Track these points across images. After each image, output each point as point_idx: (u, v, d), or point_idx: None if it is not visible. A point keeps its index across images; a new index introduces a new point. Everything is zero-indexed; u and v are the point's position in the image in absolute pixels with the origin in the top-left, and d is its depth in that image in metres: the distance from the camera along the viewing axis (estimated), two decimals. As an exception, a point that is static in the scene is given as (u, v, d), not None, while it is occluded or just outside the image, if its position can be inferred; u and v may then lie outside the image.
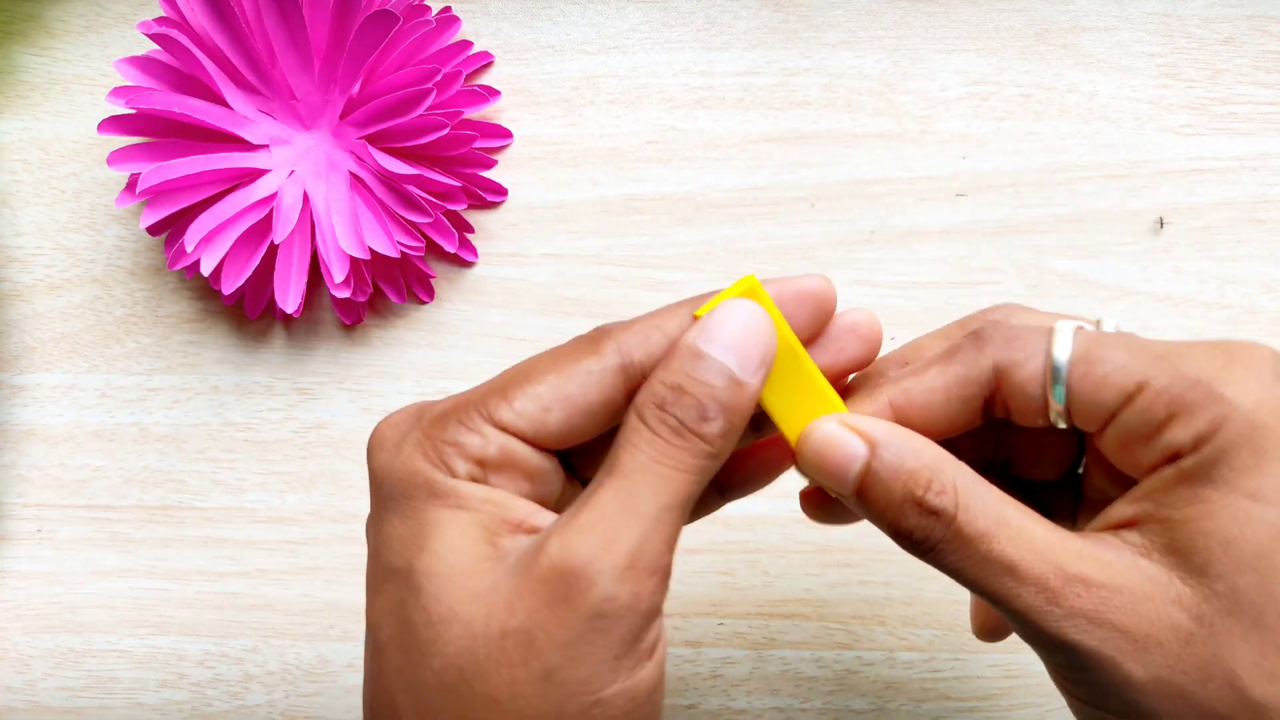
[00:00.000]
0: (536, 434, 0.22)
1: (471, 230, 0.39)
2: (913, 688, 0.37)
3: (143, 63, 0.36)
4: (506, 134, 0.39)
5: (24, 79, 0.40)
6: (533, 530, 0.22)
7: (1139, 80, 0.39)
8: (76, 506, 0.39)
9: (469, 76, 0.39)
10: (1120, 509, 0.22)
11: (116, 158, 0.36)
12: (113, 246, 0.40)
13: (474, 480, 0.22)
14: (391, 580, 0.21)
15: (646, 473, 0.21)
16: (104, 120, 0.36)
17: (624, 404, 0.22)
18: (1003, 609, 0.22)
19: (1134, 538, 0.21)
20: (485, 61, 0.39)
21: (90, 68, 0.40)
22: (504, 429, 0.22)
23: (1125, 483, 0.23)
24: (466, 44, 0.38)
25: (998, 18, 0.39)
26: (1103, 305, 0.38)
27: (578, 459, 0.24)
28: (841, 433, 0.22)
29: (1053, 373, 0.22)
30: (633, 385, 0.22)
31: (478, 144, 0.38)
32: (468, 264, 0.39)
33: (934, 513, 0.22)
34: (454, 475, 0.21)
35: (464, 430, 0.22)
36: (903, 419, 0.23)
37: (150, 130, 0.36)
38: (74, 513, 0.39)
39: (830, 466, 0.22)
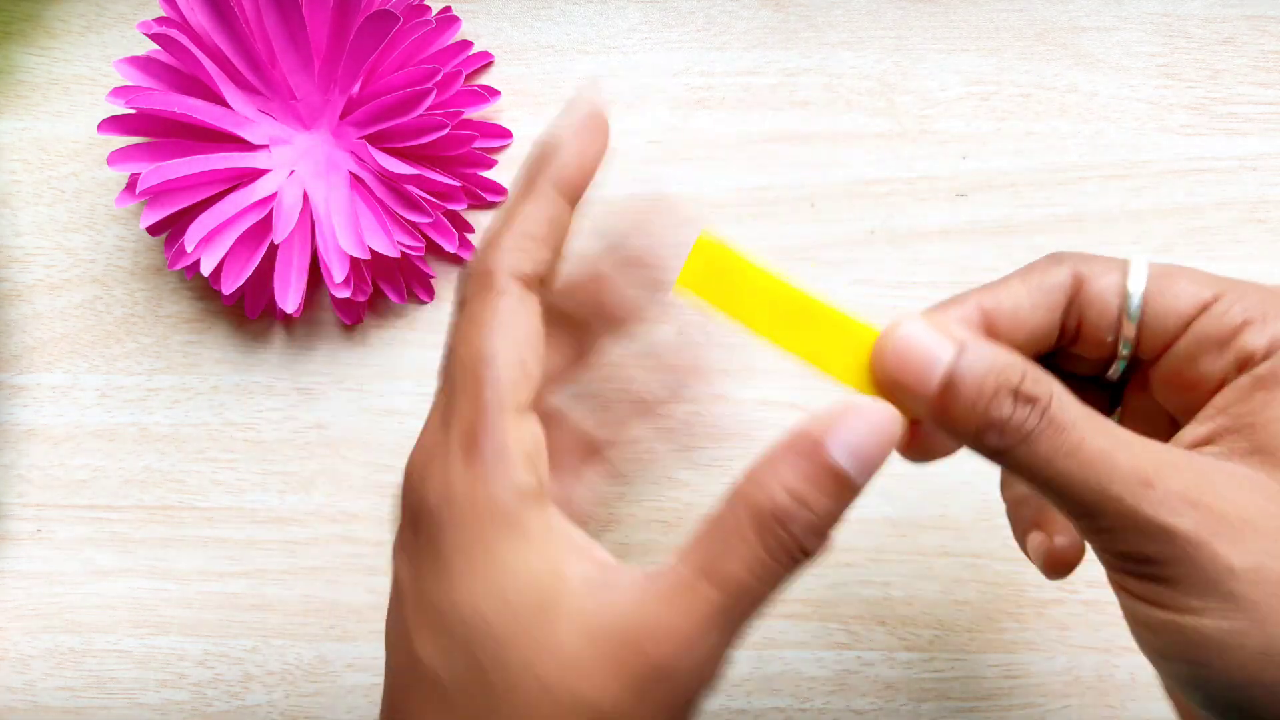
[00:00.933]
0: (534, 268, 0.23)
1: (471, 230, 0.39)
2: (913, 688, 0.37)
3: (143, 63, 0.36)
4: (506, 134, 0.39)
5: (24, 79, 0.40)
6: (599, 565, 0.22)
7: (1139, 80, 0.39)
8: (76, 506, 0.39)
9: (469, 76, 0.39)
10: (1195, 429, 0.22)
11: (116, 158, 0.36)
12: (113, 246, 0.40)
13: (527, 473, 0.21)
14: (453, 623, 0.21)
15: (750, 594, 0.20)
16: (104, 120, 0.36)
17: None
18: (1090, 503, 0.21)
19: (1216, 450, 0.21)
20: (485, 61, 0.39)
21: (90, 68, 0.40)
22: (521, 279, 0.23)
23: (1169, 426, 0.23)
24: (466, 44, 0.38)
25: (998, 18, 0.39)
26: (1103, 305, 0.38)
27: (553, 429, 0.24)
28: (927, 332, 0.22)
29: (1129, 285, 0.23)
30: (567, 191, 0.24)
31: (478, 144, 0.38)
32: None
33: (1031, 400, 0.21)
34: (512, 482, 0.21)
35: (497, 431, 0.22)
36: (989, 328, 0.23)
37: (150, 130, 0.36)
38: (74, 513, 0.39)
39: (914, 367, 0.22)
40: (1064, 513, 0.21)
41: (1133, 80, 0.39)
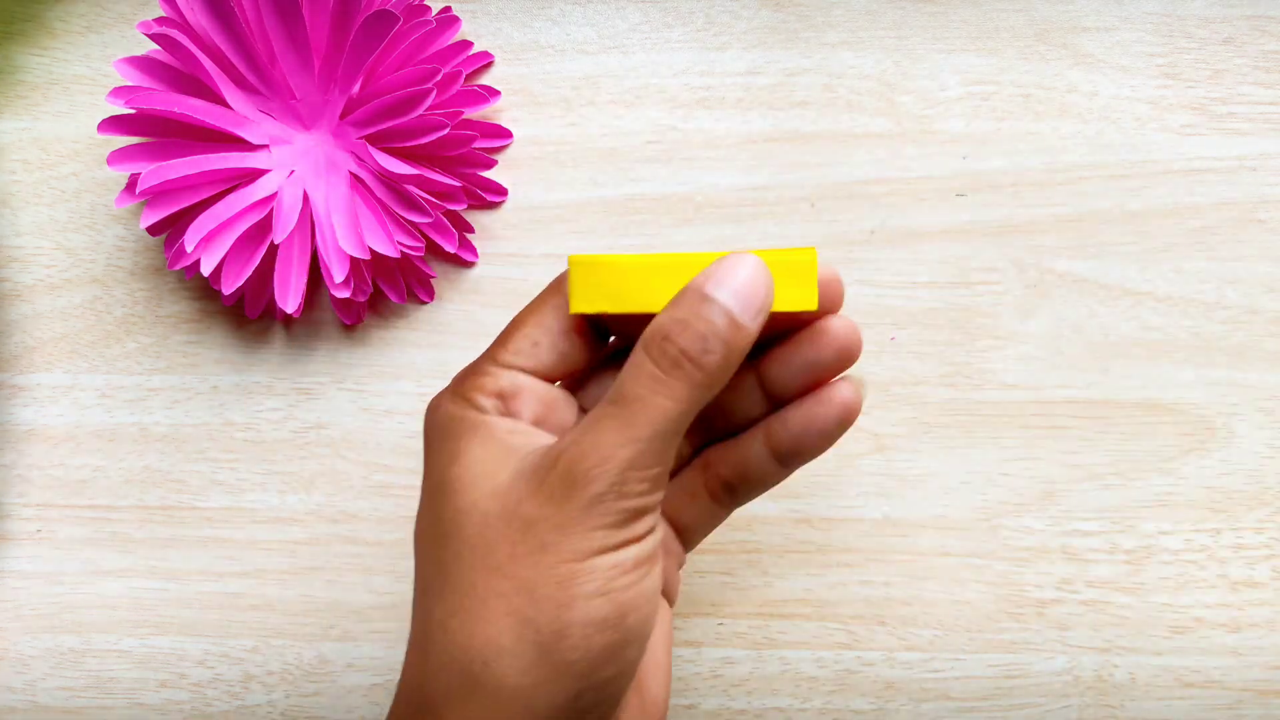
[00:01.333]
0: (534, 365, 0.26)
1: (471, 230, 0.39)
2: (913, 688, 0.37)
3: (143, 63, 0.36)
4: (506, 134, 0.39)
5: (24, 79, 0.40)
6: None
7: (1139, 80, 0.39)
8: (76, 506, 0.39)
9: (469, 76, 0.39)
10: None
11: (116, 158, 0.36)
12: (113, 246, 0.40)
13: (499, 414, 0.26)
14: (429, 494, 0.26)
15: (644, 402, 0.24)
16: (104, 120, 0.36)
17: (593, 332, 0.27)
18: None
19: None
20: (485, 61, 0.39)
21: (90, 68, 0.40)
22: (508, 367, 0.26)
23: None
24: (466, 44, 0.38)
25: (998, 18, 0.39)
26: (1103, 305, 0.38)
27: (584, 398, 0.28)
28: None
29: None
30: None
31: (478, 144, 0.38)
32: (468, 264, 0.39)
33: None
34: (482, 411, 0.26)
35: (480, 376, 0.26)
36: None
37: (150, 130, 0.36)
38: (74, 513, 0.39)
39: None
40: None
41: (1133, 80, 0.39)
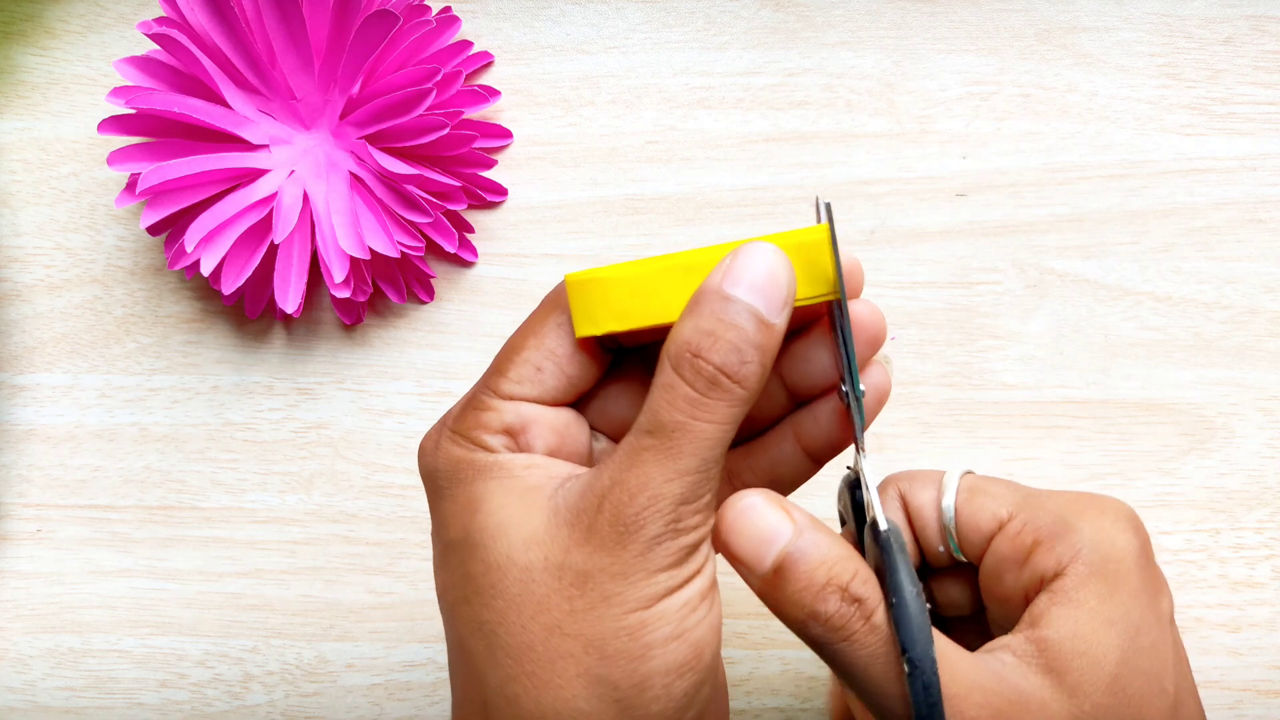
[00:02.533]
0: (540, 393, 0.24)
1: (471, 230, 0.39)
2: (913, 688, 0.37)
3: (143, 63, 0.36)
4: (506, 134, 0.39)
5: (24, 79, 0.40)
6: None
7: (1139, 80, 0.39)
8: (76, 506, 0.39)
9: (469, 76, 0.39)
10: (1008, 640, 0.24)
11: (116, 158, 0.36)
12: (113, 246, 0.40)
13: (509, 450, 0.24)
14: (452, 552, 0.23)
15: (685, 429, 0.22)
16: (104, 120, 0.36)
17: (600, 348, 0.24)
18: (895, 713, 0.23)
19: (1019, 665, 0.23)
20: (485, 61, 0.39)
21: (90, 68, 0.40)
22: (511, 399, 0.24)
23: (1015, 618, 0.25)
24: (466, 44, 0.38)
25: (998, 18, 0.39)
26: (1103, 305, 0.38)
27: (593, 415, 0.26)
28: (768, 508, 0.23)
29: (943, 502, 0.26)
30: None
31: (478, 144, 0.38)
32: (468, 264, 0.39)
33: (857, 600, 0.22)
34: (490, 450, 0.23)
35: (481, 411, 0.24)
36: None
37: (150, 130, 0.36)
38: (74, 513, 0.39)
39: (753, 538, 0.23)
40: (870, 711, 0.23)
41: (1133, 80, 0.39)
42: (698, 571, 0.22)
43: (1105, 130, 0.38)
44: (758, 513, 0.23)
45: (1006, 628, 0.25)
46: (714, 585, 0.23)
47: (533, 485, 0.23)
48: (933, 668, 0.21)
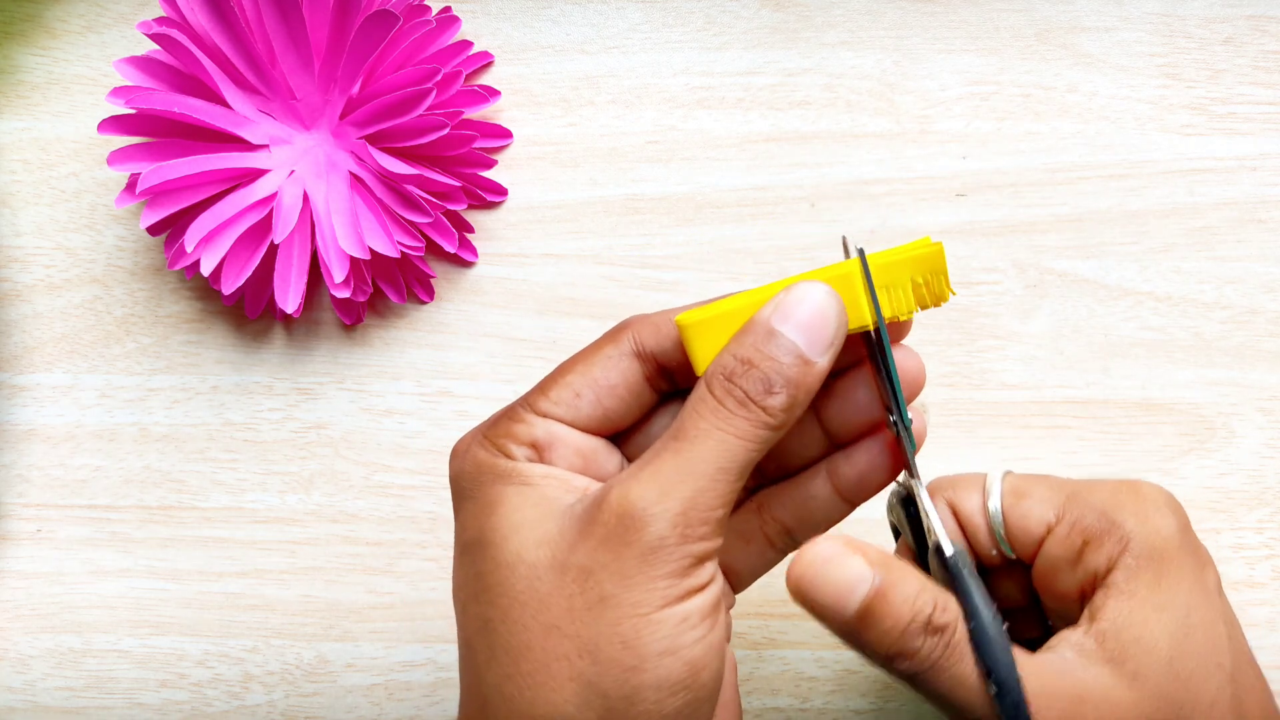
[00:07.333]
0: (574, 417, 0.24)
1: (471, 230, 0.39)
2: (913, 688, 0.37)
3: (143, 63, 0.36)
4: (506, 134, 0.39)
5: (24, 79, 0.40)
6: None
7: (1139, 80, 0.39)
8: (76, 506, 0.39)
9: (469, 76, 0.39)
10: (1071, 635, 0.25)
11: (116, 158, 0.36)
12: (113, 246, 0.40)
13: (531, 461, 0.24)
14: (467, 552, 0.24)
15: (707, 437, 0.22)
16: (104, 120, 0.36)
17: (647, 388, 0.25)
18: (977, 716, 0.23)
19: (1075, 653, 0.24)
20: (485, 61, 0.39)
21: (90, 68, 0.40)
22: (545, 416, 0.24)
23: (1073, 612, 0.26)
24: (466, 44, 0.38)
25: (998, 18, 0.39)
26: (1103, 305, 0.38)
27: (629, 449, 0.26)
28: (844, 554, 0.23)
29: (989, 505, 0.26)
30: (649, 370, 0.25)
31: (478, 144, 0.38)
32: (468, 264, 0.39)
33: (939, 630, 0.23)
34: (512, 459, 0.24)
35: (513, 422, 0.24)
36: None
37: (150, 130, 0.36)
38: (74, 513, 0.39)
39: (834, 589, 0.23)
40: None
41: (1133, 80, 0.39)
42: (701, 588, 0.22)
43: (1105, 130, 0.38)
44: (835, 564, 0.23)
45: (1065, 620, 0.26)
46: (718, 608, 0.23)
47: (549, 494, 0.23)
48: (1018, 687, 0.22)
